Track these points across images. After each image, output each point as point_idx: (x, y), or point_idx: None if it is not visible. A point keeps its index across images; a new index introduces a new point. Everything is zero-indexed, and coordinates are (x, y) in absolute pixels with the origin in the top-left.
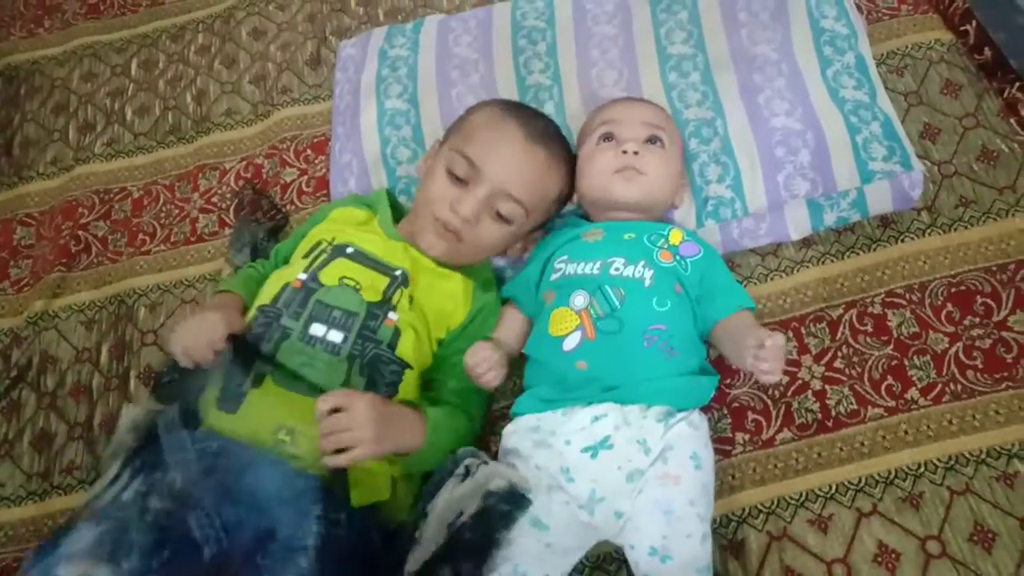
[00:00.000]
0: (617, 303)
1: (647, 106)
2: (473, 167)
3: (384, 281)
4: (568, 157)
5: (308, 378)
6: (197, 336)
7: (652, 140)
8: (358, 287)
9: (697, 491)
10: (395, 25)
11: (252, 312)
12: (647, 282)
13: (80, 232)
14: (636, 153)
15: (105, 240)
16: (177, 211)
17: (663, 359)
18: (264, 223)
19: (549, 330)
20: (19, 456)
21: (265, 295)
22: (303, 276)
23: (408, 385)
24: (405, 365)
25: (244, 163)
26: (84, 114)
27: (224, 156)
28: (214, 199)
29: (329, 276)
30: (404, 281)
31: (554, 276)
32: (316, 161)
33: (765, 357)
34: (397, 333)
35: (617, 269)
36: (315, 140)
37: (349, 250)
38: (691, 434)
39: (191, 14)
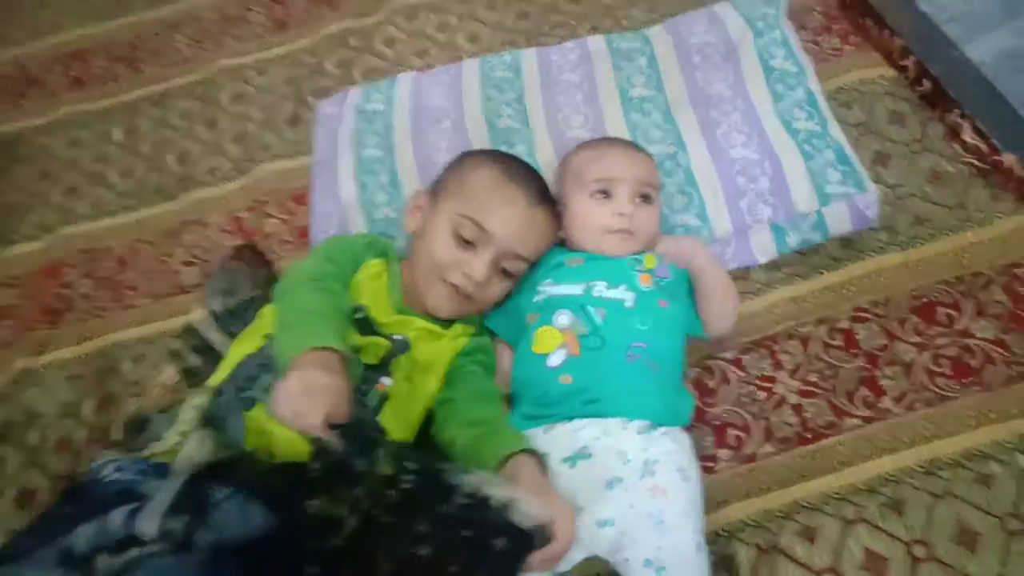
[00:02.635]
0: (599, 321)
1: (642, 161)
2: (483, 231)
3: (385, 347)
4: (556, 212)
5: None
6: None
7: (644, 198)
8: (357, 354)
9: (687, 502)
10: (369, 84)
11: (261, 341)
12: (628, 303)
13: (64, 290)
14: (630, 215)
15: (89, 297)
16: (161, 266)
17: (646, 371)
18: (244, 271)
19: (533, 348)
20: (2, 515)
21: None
22: None
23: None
24: (381, 432)
25: (227, 217)
26: (69, 178)
27: (207, 211)
28: (196, 252)
29: None
30: (404, 348)
31: (537, 298)
32: (297, 211)
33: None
34: (384, 399)
35: (599, 291)
36: (295, 192)
37: (359, 315)
38: (675, 449)
39: (171, 81)
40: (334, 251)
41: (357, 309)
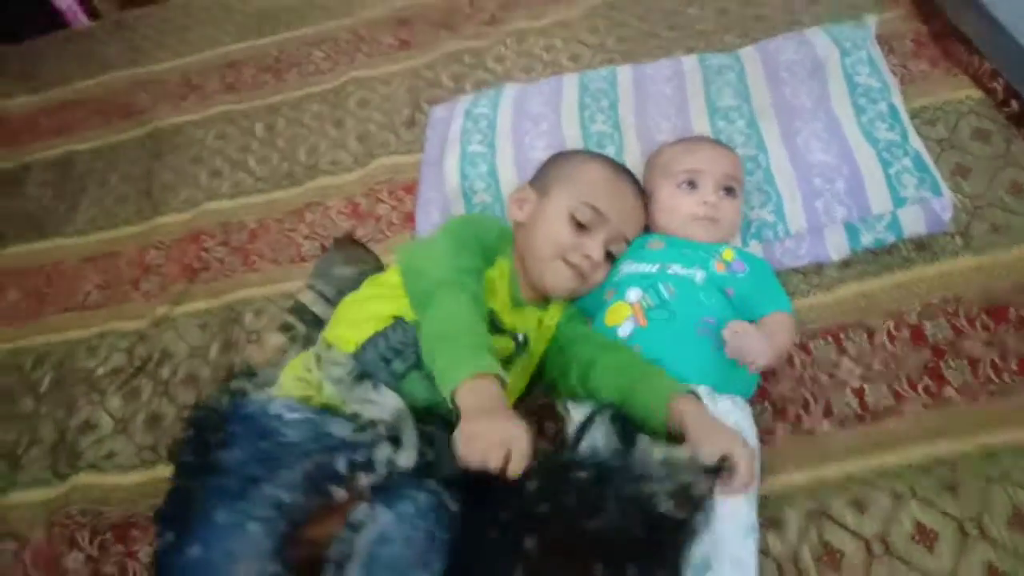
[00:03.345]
0: (667, 296)
1: (727, 157)
2: (599, 214)
3: (510, 347)
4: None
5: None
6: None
7: (728, 190)
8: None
9: None
10: (479, 92)
11: (388, 320)
12: (698, 280)
13: (203, 254)
14: (715, 204)
15: (223, 261)
16: (285, 239)
17: (711, 348)
18: (347, 256)
19: (605, 321)
20: (133, 432)
21: (407, 307)
22: None
23: None
24: None
25: (344, 201)
26: (214, 164)
27: (328, 196)
28: (318, 229)
29: None
30: (525, 345)
31: (617, 276)
32: (405, 199)
33: (736, 344)
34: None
35: (673, 271)
36: (405, 183)
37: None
38: (735, 411)
39: (308, 89)
40: (470, 240)
41: (489, 312)
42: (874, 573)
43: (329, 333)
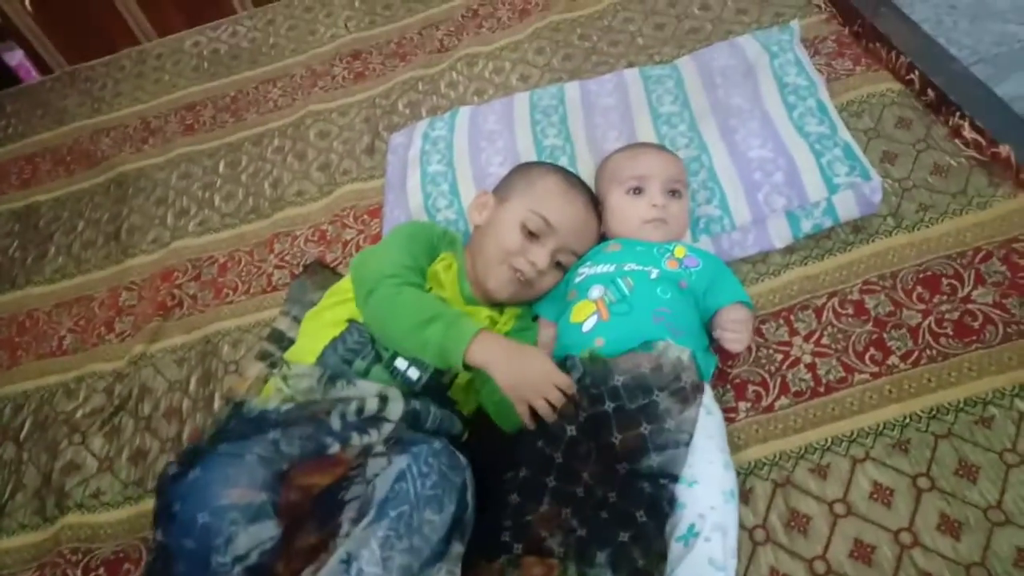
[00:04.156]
0: (627, 291)
1: (670, 161)
2: (548, 225)
3: None
4: (600, 214)
5: None
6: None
7: (674, 192)
8: None
9: (712, 428)
10: (435, 117)
11: (343, 325)
12: (653, 275)
13: (175, 291)
14: (663, 206)
15: (195, 296)
16: (255, 270)
17: (668, 336)
18: (318, 281)
19: (570, 319)
20: (118, 469)
21: (358, 311)
22: None
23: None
24: (453, 403)
25: (312, 230)
26: (180, 203)
27: (295, 225)
28: (287, 258)
29: None
30: None
31: (577, 279)
32: (371, 223)
33: (730, 328)
34: (454, 378)
35: (630, 267)
36: (370, 208)
37: None
38: None
39: (268, 125)
40: (410, 242)
41: (441, 301)
42: (839, 532)
43: (290, 354)
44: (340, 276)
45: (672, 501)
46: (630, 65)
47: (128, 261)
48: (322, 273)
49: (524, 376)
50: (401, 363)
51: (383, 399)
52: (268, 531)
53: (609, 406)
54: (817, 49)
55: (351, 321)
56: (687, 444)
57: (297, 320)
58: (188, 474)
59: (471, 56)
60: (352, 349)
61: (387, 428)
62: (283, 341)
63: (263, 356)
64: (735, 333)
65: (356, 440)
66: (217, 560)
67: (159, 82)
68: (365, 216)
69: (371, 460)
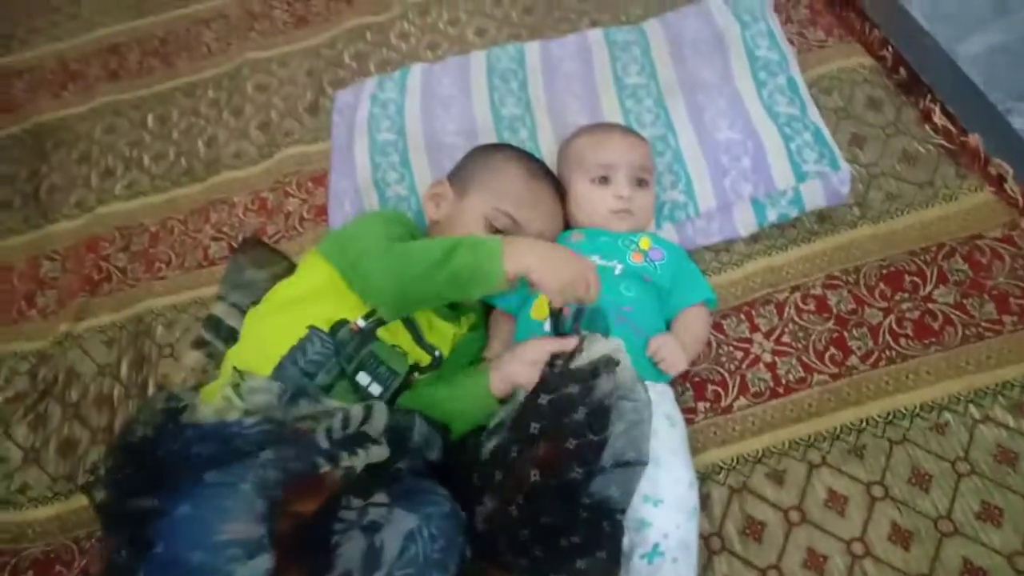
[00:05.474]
0: None
1: (637, 147)
2: (515, 223)
3: (427, 359)
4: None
5: None
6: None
7: (641, 182)
8: (406, 353)
9: (675, 443)
10: (384, 75)
11: (302, 331)
12: (616, 271)
13: (102, 263)
14: (629, 197)
15: (125, 269)
16: (190, 241)
17: (631, 337)
18: (258, 260)
19: (531, 315)
20: (45, 462)
21: (319, 315)
22: (362, 323)
23: None
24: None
25: (251, 197)
26: (105, 162)
27: (233, 192)
28: (224, 229)
29: (385, 334)
30: (440, 362)
31: None
32: (316, 192)
33: (660, 356)
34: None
35: (593, 262)
36: (314, 174)
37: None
38: (659, 399)
39: (201, 74)
40: (393, 222)
41: (411, 322)
42: (793, 541)
43: (237, 358)
44: (278, 253)
45: (619, 528)
46: (594, 23)
47: (49, 227)
48: (259, 250)
49: (562, 275)
50: (363, 378)
51: (367, 408)
52: (265, 564)
53: (535, 428)
54: (789, 16)
55: (311, 328)
56: (639, 461)
57: (236, 307)
58: (173, 510)
59: (423, 4)
60: (314, 361)
61: (375, 451)
62: (220, 329)
63: (199, 344)
64: (668, 358)
65: (345, 460)
66: None
67: (78, 18)
68: (309, 184)
69: (371, 508)
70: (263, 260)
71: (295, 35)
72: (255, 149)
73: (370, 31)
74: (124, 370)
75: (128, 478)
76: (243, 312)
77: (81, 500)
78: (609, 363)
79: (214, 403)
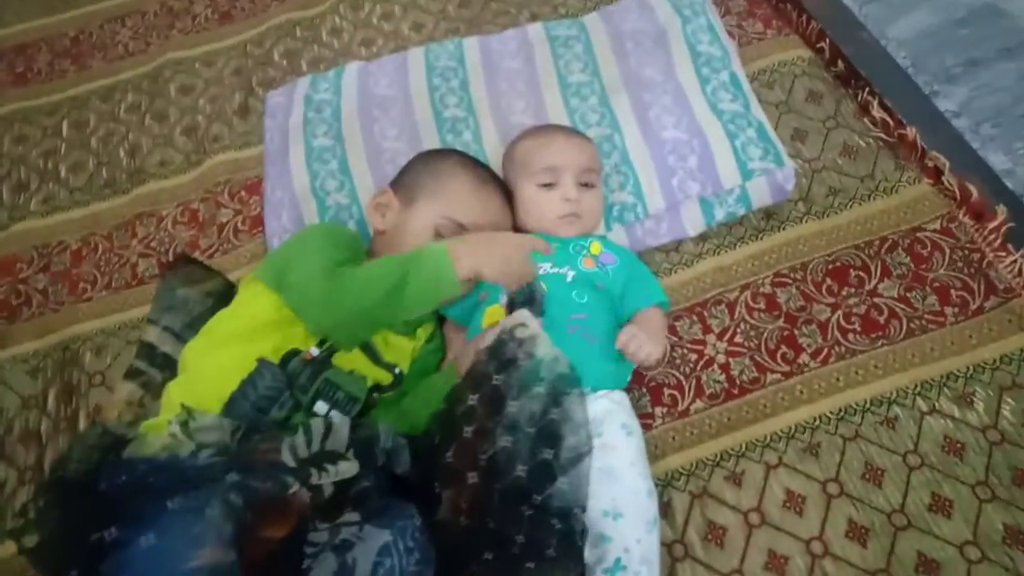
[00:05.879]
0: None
1: (583, 149)
2: (465, 232)
3: (387, 378)
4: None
5: None
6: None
7: (587, 184)
8: (364, 376)
9: (633, 454)
10: (318, 74)
11: (250, 365)
12: (568, 278)
13: (20, 286)
14: (576, 200)
15: (46, 292)
16: (116, 258)
17: (585, 345)
18: (192, 278)
19: (482, 324)
20: None
21: (267, 347)
22: (315, 351)
23: None
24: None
25: (180, 208)
26: (17, 175)
27: (160, 203)
28: (152, 244)
29: (340, 360)
30: (400, 379)
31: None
32: (250, 201)
33: (633, 347)
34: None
35: (544, 270)
36: (248, 182)
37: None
38: (615, 408)
39: (119, 76)
40: (334, 243)
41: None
42: (754, 543)
43: (180, 394)
44: (210, 270)
45: (584, 533)
46: (533, 17)
47: None
48: (189, 268)
49: (510, 264)
50: (321, 407)
51: (327, 423)
52: None
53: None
54: (728, 7)
55: (261, 360)
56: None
57: (169, 330)
58: (136, 540)
59: None
60: (266, 396)
61: (344, 467)
62: (155, 357)
63: (133, 374)
64: (636, 349)
65: (315, 478)
66: None
67: None
68: (242, 192)
69: (343, 528)
70: (195, 277)
71: (219, 32)
72: (182, 156)
73: (300, 26)
74: (51, 402)
75: (69, 514)
76: (177, 336)
77: (9, 548)
78: (516, 330)
79: (161, 439)
